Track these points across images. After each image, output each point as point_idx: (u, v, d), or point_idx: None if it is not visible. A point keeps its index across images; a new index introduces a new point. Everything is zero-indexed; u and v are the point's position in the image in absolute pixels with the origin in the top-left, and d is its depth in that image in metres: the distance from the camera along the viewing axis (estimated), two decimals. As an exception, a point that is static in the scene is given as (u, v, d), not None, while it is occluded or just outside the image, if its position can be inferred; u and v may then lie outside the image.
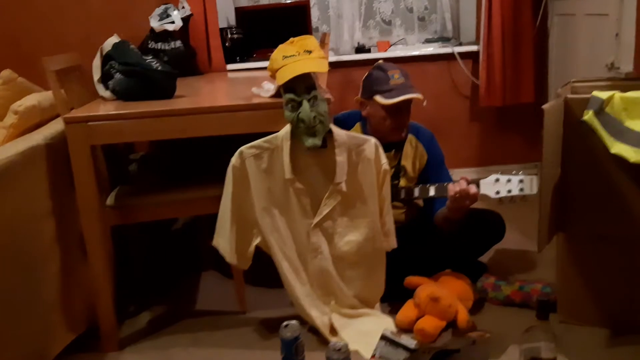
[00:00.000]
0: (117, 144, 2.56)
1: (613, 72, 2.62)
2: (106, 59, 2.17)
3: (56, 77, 1.98)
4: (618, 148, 1.69)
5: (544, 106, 1.68)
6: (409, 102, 2.13)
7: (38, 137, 1.86)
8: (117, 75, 2.07)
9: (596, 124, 1.72)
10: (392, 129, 2.16)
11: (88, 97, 2.22)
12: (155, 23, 2.78)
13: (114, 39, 2.26)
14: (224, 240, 1.93)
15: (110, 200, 2.05)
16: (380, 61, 2.25)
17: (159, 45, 2.79)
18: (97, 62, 2.20)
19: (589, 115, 1.72)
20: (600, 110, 1.72)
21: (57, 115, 2.08)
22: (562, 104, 1.79)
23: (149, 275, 2.53)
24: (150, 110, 1.87)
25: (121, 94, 2.07)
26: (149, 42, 2.80)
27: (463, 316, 1.92)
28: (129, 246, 2.46)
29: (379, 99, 2.12)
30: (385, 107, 2.12)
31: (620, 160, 1.69)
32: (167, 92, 2.07)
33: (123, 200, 2.05)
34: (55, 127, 1.99)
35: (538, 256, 2.34)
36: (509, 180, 2.00)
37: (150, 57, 2.26)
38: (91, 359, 1.93)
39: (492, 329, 1.91)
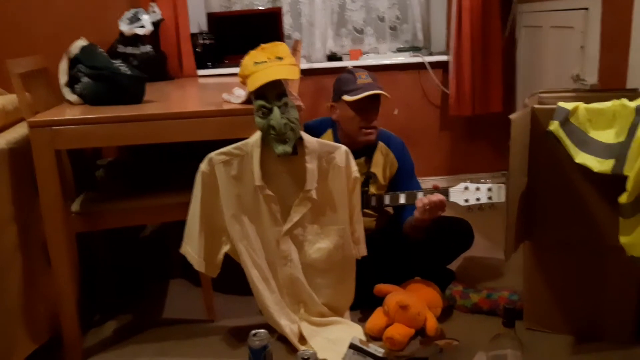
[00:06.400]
0: (84, 149, 2.52)
1: (578, 84, 2.68)
2: (73, 62, 2.13)
3: (21, 80, 1.93)
4: (582, 158, 1.72)
5: (512, 116, 1.70)
6: (377, 102, 2.15)
7: (1, 141, 1.81)
8: (84, 79, 2.03)
9: (561, 134, 1.75)
10: (361, 129, 2.16)
11: (54, 101, 2.17)
12: (124, 27, 2.75)
13: (81, 42, 2.22)
14: (192, 248, 1.90)
15: (75, 207, 2.00)
16: (350, 67, 2.27)
17: (129, 50, 2.75)
18: (63, 66, 2.15)
19: (554, 126, 1.76)
20: (566, 120, 1.75)
21: (22, 119, 2.03)
22: (529, 114, 1.82)
23: (115, 284, 2.48)
24: (118, 115, 1.83)
25: (88, 98, 2.03)
26: (118, 46, 2.76)
27: (432, 324, 1.93)
28: (95, 253, 2.41)
29: (346, 97, 2.14)
30: (353, 106, 2.13)
31: (584, 169, 1.72)
32: (136, 97, 2.04)
33: (89, 207, 2.01)
34: (19, 131, 1.94)
35: (505, 264, 2.36)
36: (477, 189, 2.03)
37: (119, 61, 2.23)
38: (54, 370, 1.88)
39: (460, 337, 1.92)
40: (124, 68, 2.06)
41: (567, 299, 1.93)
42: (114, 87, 2.00)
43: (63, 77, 2.14)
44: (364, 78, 2.16)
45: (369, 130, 2.17)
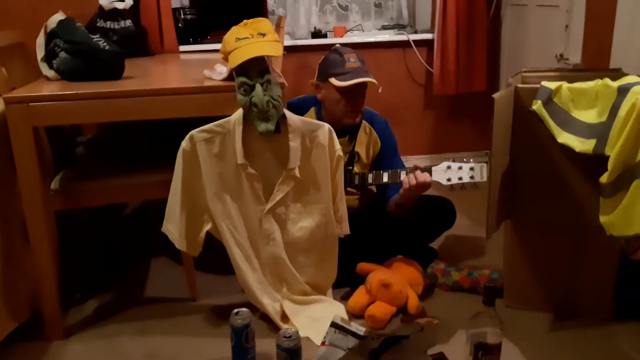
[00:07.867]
0: (63, 126, 2.47)
1: (562, 63, 2.68)
2: (51, 36, 2.07)
3: (-4, 54, 1.89)
4: (565, 138, 1.73)
5: (495, 95, 1.70)
6: (364, 86, 2.14)
7: (-24, 117, 1.77)
8: (62, 54, 1.99)
9: (544, 114, 1.75)
10: (346, 112, 2.15)
11: (31, 76, 2.12)
12: (104, 1, 2.68)
13: (59, 16, 2.16)
14: (173, 226, 1.88)
15: (54, 184, 1.97)
16: (337, 45, 2.24)
17: (108, 24, 2.69)
18: (41, 40, 2.10)
19: (537, 105, 1.76)
20: (549, 100, 1.75)
21: (-2, 95, 1.98)
22: (512, 93, 1.82)
23: (97, 262, 2.46)
24: (97, 91, 1.80)
25: (66, 74, 1.99)
26: (98, 20, 2.70)
27: (413, 302, 1.95)
28: (76, 232, 2.38)
29: (334, 81, 2.11)
30: (340, 90, 2.11)
31: (566, 149, 1.73)
32: (115, 73, 1.99)
33: (68, 185, 1.98)
34: (-5, 107, 1.89)
35: (487, 242, 2.39)
36: (460, 168, 2.03)
37: (98, 36, 2.18)
38: (35, 348, 1.86)
39: (441, 315, 1.94)
40: (102, 43, 2.01)
41: (546, 277, 1.96)
42: (92, 62, 1.96)
43: (40, 52, 2.09)
44: (352, 62, 2.13)
45: (354, 114, 2.16)
